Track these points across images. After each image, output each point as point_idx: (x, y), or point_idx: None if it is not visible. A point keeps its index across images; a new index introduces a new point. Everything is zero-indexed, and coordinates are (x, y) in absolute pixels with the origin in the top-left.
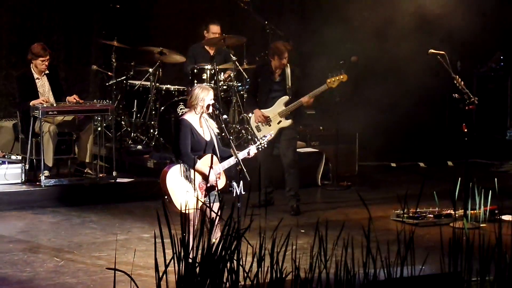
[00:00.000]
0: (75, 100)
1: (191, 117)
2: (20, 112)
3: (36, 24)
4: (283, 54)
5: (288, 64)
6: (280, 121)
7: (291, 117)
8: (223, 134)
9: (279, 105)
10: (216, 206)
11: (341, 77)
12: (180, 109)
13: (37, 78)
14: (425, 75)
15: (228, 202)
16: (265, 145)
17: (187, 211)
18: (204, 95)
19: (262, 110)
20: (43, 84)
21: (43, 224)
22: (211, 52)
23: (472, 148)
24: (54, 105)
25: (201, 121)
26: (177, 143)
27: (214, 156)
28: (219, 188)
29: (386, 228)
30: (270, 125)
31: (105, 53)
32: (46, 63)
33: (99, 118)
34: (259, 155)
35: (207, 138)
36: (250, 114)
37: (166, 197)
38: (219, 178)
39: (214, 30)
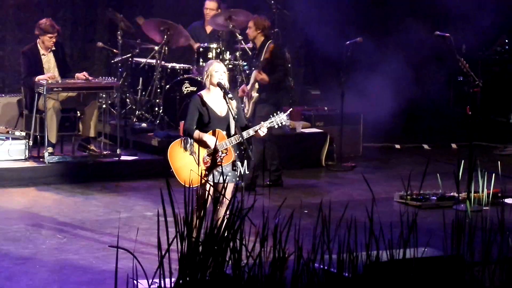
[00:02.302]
0: (84, 77)
1: (204, 93)
2: (25, 88)
3: (42, 0)
4: (248, 27)
5: (270, 42)
6: (252, 96)
7: (260, 91)
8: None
9: (252, 79)
10: (231, 186)
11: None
12: (185, 88)
13: (43, 54)
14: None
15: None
16: (280, 124)
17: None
18: (208, 68)
19: (245, 86)
20: (48, 60)
21: (46, 201)
22: (208, 30)
23: (476, 131)
24: (59, 81)
25: (214, 96)
26: (185, 118)
27: (221, 132)
28: (225, 163)
29: (389, 209)
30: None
31: (110, 30)
32: (54, 40)
33: (104, 96)
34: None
35: (222, 114)
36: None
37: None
38: (226, 153)
39: (208, 6)
